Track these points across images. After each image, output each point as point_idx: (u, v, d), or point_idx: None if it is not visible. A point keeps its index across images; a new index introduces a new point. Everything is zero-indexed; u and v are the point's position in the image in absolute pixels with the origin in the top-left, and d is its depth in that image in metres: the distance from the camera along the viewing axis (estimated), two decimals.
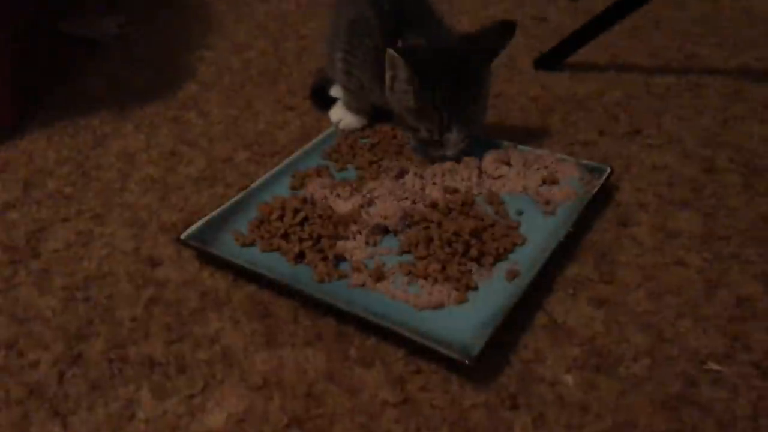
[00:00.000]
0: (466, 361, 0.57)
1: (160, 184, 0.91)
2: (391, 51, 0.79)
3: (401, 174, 0.83)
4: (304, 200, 0.78)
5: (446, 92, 0.79)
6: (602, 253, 0.73)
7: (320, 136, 0.94)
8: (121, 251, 0.79)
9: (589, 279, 0.70)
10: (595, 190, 0.77)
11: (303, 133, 1.00)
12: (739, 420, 0.55)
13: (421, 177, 0.82)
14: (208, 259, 0.74)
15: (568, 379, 0.59)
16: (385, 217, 0.75)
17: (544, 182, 0.81)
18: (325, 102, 1.04)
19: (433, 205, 0.77)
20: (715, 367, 0.59)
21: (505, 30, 0.82)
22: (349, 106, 0.95)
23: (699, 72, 1.10)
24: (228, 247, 0.74)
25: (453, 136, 0.81)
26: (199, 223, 0.76)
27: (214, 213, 0.78)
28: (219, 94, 1.14)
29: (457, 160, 0.84)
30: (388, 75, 0.82)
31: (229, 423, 0.58)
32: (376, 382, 0.60)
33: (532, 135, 0.95)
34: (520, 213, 0.77)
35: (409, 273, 0.69)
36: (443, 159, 0.84)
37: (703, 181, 0.83)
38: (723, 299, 0.66)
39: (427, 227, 0.74)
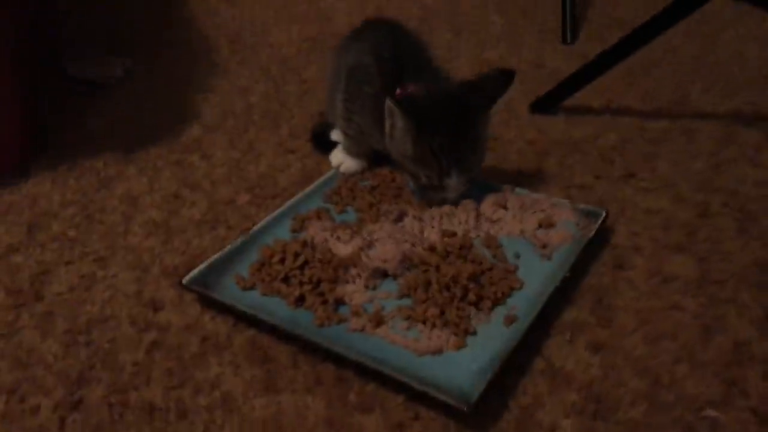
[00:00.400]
0: (465, 408, 0.57)
1: (163, 227, 0.92)
2: (389, 102, 0.81)
3: (400, 217, 0.84)
4: (305, 243, 0.80)
5: (445, 139, 0.81)
6: (599, 297, 0.74)
7: (321, 179, 0.95)
8: (123, 294, 0.80)
9: (586, 323, 0.70)
10: (592, 234, 0.78)
11: (304, 175, 1.02)
12: None
13: (420, 220, 0.84)
14: (210, 303, 0.75)
15: (567, 425, 0.60)
16: (385, 261, 0.76)
17: (540, 225, 0.82)
18: (325, 145, 1.05)
19: (432, 249, 0.78)
20: (712, 414, 0.60)
21: (503, 78, 0.84)
22: (349, 151, 0.97)
23: (692, 116, 1.12)
24: (229, 291, 0.75)
25: (453, 182, 0.83)
26: (200, 267, 0.77)
27: (216, 257, 0.79)
28: (222, 136, 1.16)
29: (455, 203, 0.85)
30: (387, 123, 0.84)
31: None
32: (375, 429, 0.60)
33: (529, 178, 0.97)
34: (517, 256, 0.78)
35: (408, 317, 0.70)
36: (443, 202, 0.85)
37: (698, 225, 0.85)
38: (719, 344, 0.67)
39: (426, 270, 0.75)
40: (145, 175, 1.05)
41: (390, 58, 0.90)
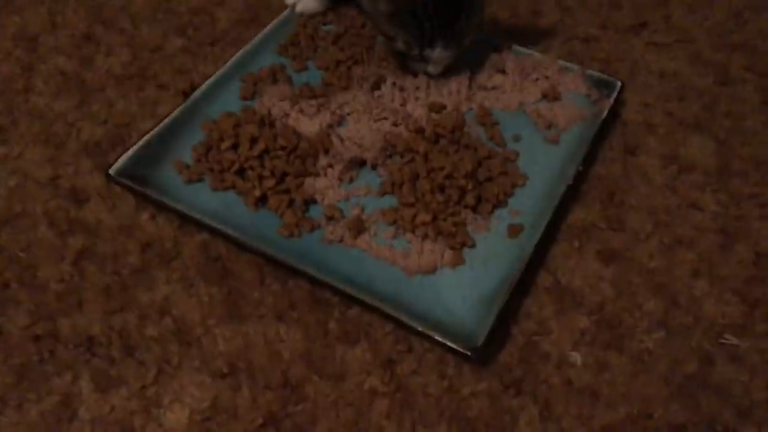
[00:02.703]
0: (469, 353, 0.49)
1: (74, 82, 0.73)
2: None
3: (377, 84, 0.69)
4: (262, 121, 0.64)
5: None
6: (610, 192, 0.64)
7: (272, 24, 0.76)
8: (35, 181, 0.64)
9: (595, 226, 0.61)
10: (604, 114, 0.66)
11: (248, 11, 0.82)
12: (755, 406, 0.51)
13: (401, 89, 0.69)
14: (147, 199, 0.61)
15: (576, 357, 0.53)
16: (362, 146, 0.63)
17: (544, 97, 0.69)
18: None
19: (419, 131, 0.64)
20: (732, 341, 0.54)
21: None
22: None
23: None
24: (171, 185, 0.61)
25: (436, 54, 0.66)
26: (130, 152, 0.62)
27: (150, 136, 0.63)
28: None
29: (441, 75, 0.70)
30: None
31: (192, 423, 0.49)
32: (361, 365, 0.52)
33: (524, 25, 0.81)
34: (517, 139, 0.66)
35: (394, 222, 0.59)
36: (424, 73, 0.69)
37: (717, 95, 0.73)
38: (740, 255, 0.60)
39: (412, 159, 0.62)
40: (43, 4, 0.82)
41: None
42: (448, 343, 0.50)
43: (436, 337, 0.50)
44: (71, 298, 0.56)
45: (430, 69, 0.68)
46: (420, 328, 0.51)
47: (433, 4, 0.62)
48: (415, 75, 0.69)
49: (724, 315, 0.56)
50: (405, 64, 0.70)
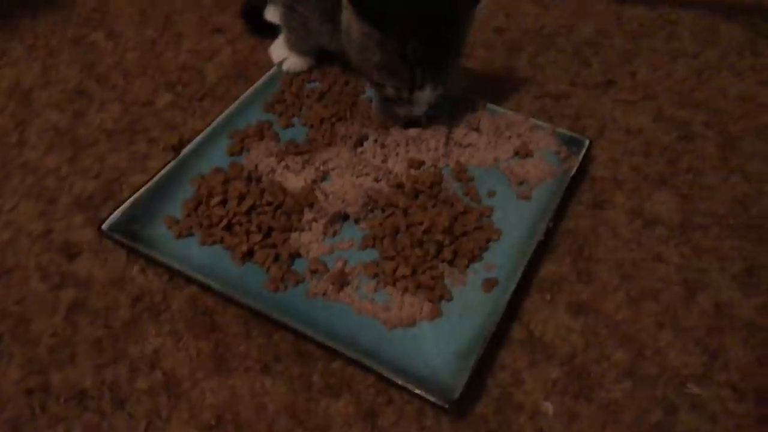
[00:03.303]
0: (447, 406, 0.52)
1: (67, 136, 0.76)
2: None
3: (360, 142, 0.73)
4: (249, 178, 0.67)
5: (420, 43, 0.65)
6: (579, 245, 0.67)
7: (259, 82, 0.80)
8: (27, 235, 0.66)
9: (566, 279, 0.65)
10: (573, 171, 0.70)
11: (235, 66, 0.86)
12: None
13: (383, 146, 0.72)
14: (138, 253, 0.63)
15: (548, 407, 0.56)
16: (344, 201, 0.66)
17: (517, 153, 0.73)
18: (259, 25, 0.88)
19: (398, 186, 0.68)
20: (694, 390, 0.57)
21: None
22: (293, 46, 0.80)
23: (671, 3, 1.01)
24: (161, 240, 0.63)
25: (426, 95, 0.69)
26: (122, 208, 0.65)
27: (141, 192, 0.66)
28: (130, 5, 0.95)
29: (422, 122, 0.73)
30: (344, 18, 0.68)
31: None
32: (344, 418, 0.55)
33: (499, 81, 0.86)
34: (491, 194, 0.70)
35: (375, 276, 0.62)
36: (409, 120, 0.73)
37: (680, 151, 0.78)
38: (701, 307, 0.63)
39: (393, 214, 0.66)
40: (37, 59, 0.86)
41: None
42: (427, 396, 0.52)
43: (416, 391, 0.53)
44: (63, 352, 0.58)
45: (416, 110, 0.71)
46: (400, 382, 0.53)
47: (422, 48, 0.65)
48: (395, 124, 0.73)
49: (687, 365, 0.59)
50: (387, 113, 0.73)
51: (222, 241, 0.63)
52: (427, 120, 0.74)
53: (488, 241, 0.65)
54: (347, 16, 0.66)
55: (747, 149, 0.78)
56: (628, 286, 0.65)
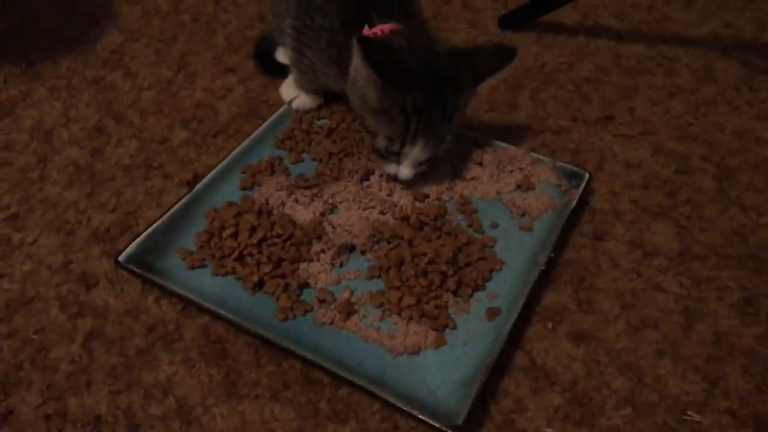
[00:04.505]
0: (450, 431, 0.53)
1: (86, 172, 0.79)
2: (356, 42, 0.66)
3: (366, 176, 0.75)
4: (260, 211, 0.70)
5: (420, 99, 0.67)
6: (580, 276, 0.69)
7: (271, 119, 0.83)
8: (47, 266, 0.69)
9: (567, 308, 0.66)
10: (574, 204, 0.72)
11: (247, 104, 0.90)
12: None
13: (388, 180, 0.75)
14: (153, 284, 0.66)
15: None
16: (351, 233, 0.69)
17: (518, 187, 0.76)
18: (270, 66, 0.92)
19: (404, 218, 0.70)
20: (695, 417, 0.59)
21: (502, 55, 0.70)
22: (302, 86, 0.84)
23: (668, 40, 1.04)
24: (175, 271, 0.66)
25: (416, 152, 0.70)
26: (138, 240, 0.67)
27: (156, 225, 0.69)
28: (147, 47, 0.99)
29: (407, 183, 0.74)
30: (353, 64, 0.70)
31: None
32: None
33: (500, 117, 0.89)
34: (494, 226, 0.72)
35: (381, 305, 0.64)
36: (394, 178, 0.73)
37: (678, 184, 0.80)
38: (700, 335, 0.64)
39: (398, 245, 0.68)
40: (58, 98, 0.89)
41: None
42: (431, 422, 0.54)
43: (420, 416, 0.54)
44: (80, 379, 0.60)
45: (402, 173, 0.71)
46: (405, 408, 0.55)
47: (418, 105, 0.67)
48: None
49: (686, 392, 0.60)
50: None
51: (233, 271, 0.66)
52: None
53: (491, 271, 0.67)
54: (357, 62, 0.68)
55: (744, 182, 0.80)
56: (628, 315, 0.66)
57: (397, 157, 0.71)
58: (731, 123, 0.89)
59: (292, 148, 0.80)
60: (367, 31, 0.70)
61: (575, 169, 0.77)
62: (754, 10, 1.12)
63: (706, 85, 0.96)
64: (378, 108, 0.69)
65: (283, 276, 0.65)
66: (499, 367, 0.60)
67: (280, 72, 0.89)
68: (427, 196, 0.74)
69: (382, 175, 0.75)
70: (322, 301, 0.64)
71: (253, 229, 0.67)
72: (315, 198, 0.73)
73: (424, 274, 0.65)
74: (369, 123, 0.71)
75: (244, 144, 0.79)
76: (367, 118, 0.71)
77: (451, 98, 0.68)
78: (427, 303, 0.63)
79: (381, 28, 0.69)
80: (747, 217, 0.76)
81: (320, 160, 0.78)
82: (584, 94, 0.94)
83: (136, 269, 0.65)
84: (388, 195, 0.74)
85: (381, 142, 0.70)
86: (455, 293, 0.65)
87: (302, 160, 0.79)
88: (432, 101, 0.67)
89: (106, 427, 0.57)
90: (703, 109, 0.92)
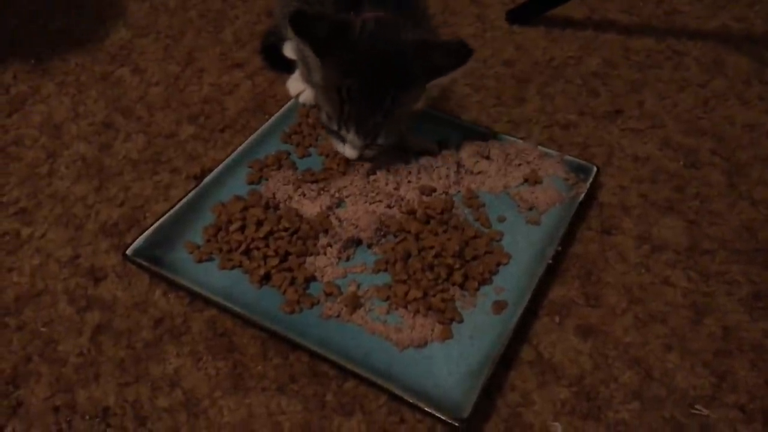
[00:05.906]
0: (457, 424, 0.53)
1: (94, 167, 0.80)
2: (288, 17, 0.65)
3: (372, 170, 0.75)
4: (267, 205, 0.70)
5: (357, 87, 0.66)
6: (587, 269, 0.69)
7: (278, 114, 0.83)
8: (56, 260, 0.69)
9: (574, 302, 0.66)
10: (581, 197, 0.72)
11: (254, 99, 0.90)
12: None
13: (395, 174, 0.75)
14: (160, 277, 0.66)
15: (557, 427, 0.57)
16: (357, 227, 0.69)
17: (526, 180, 0.75)
18: (277, 61, 0.92)
19: (410, 212, 0.70)
20: (702, 411, 0.58)
21: (459, 53, 0.67)
22: (308, 80, 0.84)
23: (677, 34, 1.03)
24: (182, 265, 0.66)
25: (351, 137, 0.69)
26: (146, 234, 0.67)
27: (164, 219, 0.69)
28: (155, 42, 0.99)
29: (433, 153, 0.76)
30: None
31: None
32: None
33: (508, 111, 0.88)
34: (501, 219, 0.72)
35: (387, 299, 0.64)
36: (344, 155, 0.73)
37: (687, 178, 0.80)
38: (709, 329, 0.64)
39: (404, 239, 0.68)
40: (67, 94, 0.90)
41: None
42: (437, 415, 0.54)
43: (426, 409, 0.54)
44: (88, 371, 0.60)
45: (347, 151, 0.71)
46: (411, 400, 0.55)
47: (353, 91, 0.66)
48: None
49: (694, 387, 0.60)
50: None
51: (240, 265, 0.66)
52: (438, 148, 0.77)
53: (498, 264, 0.67)
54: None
55: (754, 176, 0.80)
56: (636, 309, 0.66)
57: (339, 137, 0.71)
58: (741, 117, 0.88)
59: (299, 143, 0.80)
60: (352, 18, 0.70)
61: (583, 162, 0.76)
62: (763, 3, 1.11)
63: (716, 78, 0.95)
64: (321, 85, 0.70)
65: (290, 269, 0.65)
66: (505, 360, 0.60)
67: (287, 67, 0.89)
68: (434, 190, 0.74)
69: (388, 169, 0.75)
70: (328, 295, 0.64)
71: (260, 223, 0.67)
72: (322, 192, 0.73)
73: (431, 267, 0.65)
74: (318, 96, 0.73)
75: (251, 138, 0.79)
76: (317, 92, 0.72)
77: (393, 91, 0.67)
78: (433, 296, 0.63)
79: (364, 17, 0.69)
80: (756, 212, 0.76)
81: (327, 155, 0.78)
82: (592, 88, 0.93)
83: (143, 263, 0.65)
84: (395, 189, 0.73)
85: (324, 118, 0.71)
86: (462, 287, 0.64)
87: (309, 155, 0.79)
88: (368, 91, 0.67)
89: (113, 419, 0.57)
90: (712, 102, 0.91)
